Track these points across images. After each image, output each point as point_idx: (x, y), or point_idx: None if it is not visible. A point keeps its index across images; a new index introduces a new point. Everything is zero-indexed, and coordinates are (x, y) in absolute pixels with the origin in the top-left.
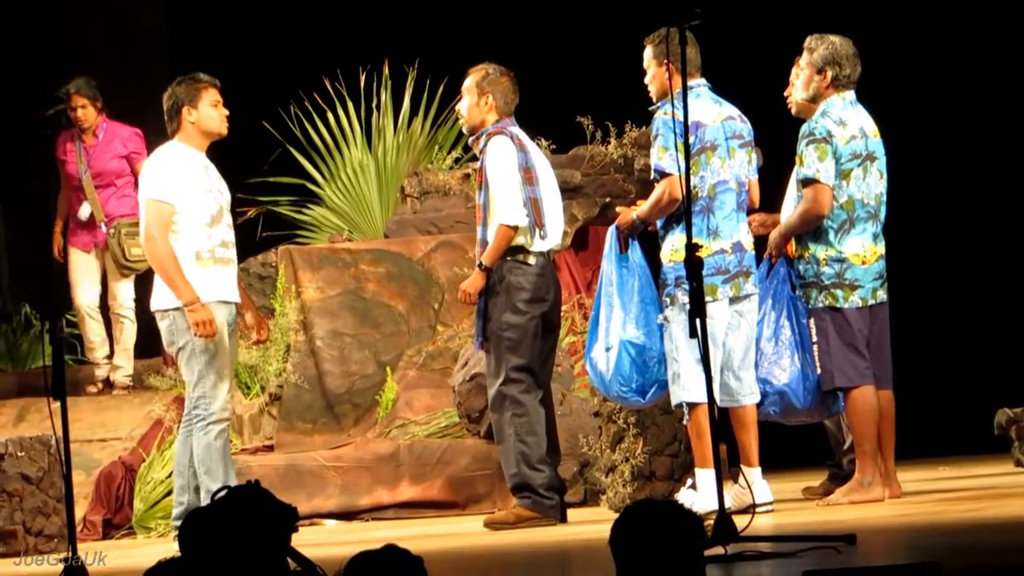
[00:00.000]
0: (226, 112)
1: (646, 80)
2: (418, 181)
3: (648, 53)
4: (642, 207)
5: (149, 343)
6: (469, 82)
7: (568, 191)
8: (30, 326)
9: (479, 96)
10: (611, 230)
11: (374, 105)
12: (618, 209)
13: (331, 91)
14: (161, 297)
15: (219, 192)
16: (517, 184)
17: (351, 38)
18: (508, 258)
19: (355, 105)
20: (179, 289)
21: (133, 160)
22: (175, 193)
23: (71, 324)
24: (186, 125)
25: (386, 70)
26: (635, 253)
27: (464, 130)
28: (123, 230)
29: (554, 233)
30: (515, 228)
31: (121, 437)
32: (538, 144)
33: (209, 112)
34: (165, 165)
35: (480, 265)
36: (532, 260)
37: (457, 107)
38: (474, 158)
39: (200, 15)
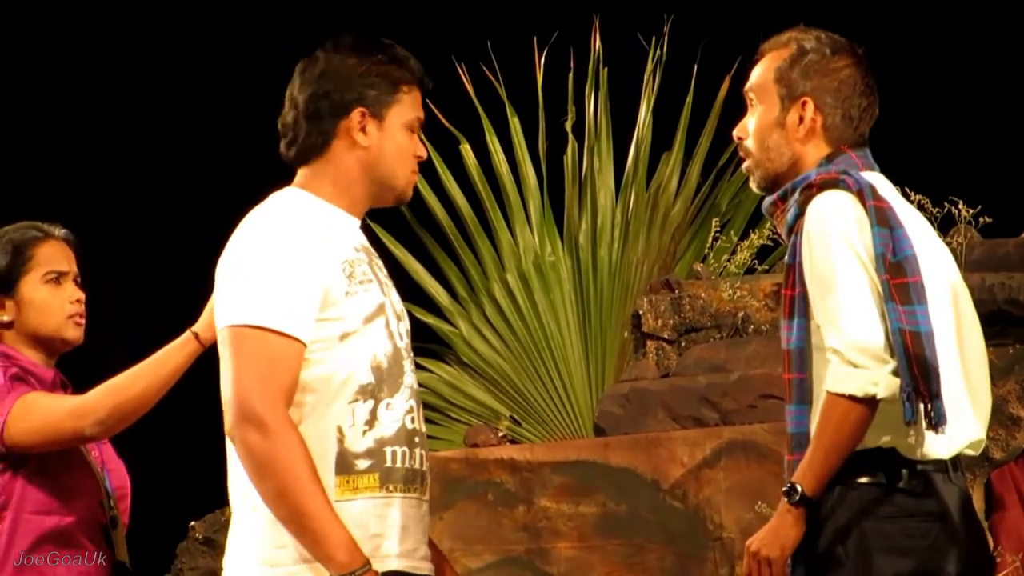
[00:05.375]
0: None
1: None
2: (673, 303)
3: None
4: None
5: None
6: (762, 71)
7: (1018, 323)
8: None
9: (784, 102)
10: None
11: (568, 126)
12: None
13: (471, 93)
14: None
15: None
16: (871, 302)
17: None
18: (858, 478)
19: (524, 125)
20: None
21: None
22: None
23: None
24: None
25: (597, 42)
26: None
27: (753, 181)
28: None
29: (970, 421)
30: (868, 404)
31: None
32: (943, 215)
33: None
34: None
35: (789, 493)
36: (921, 481)
37: (737, 129)
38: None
39: None
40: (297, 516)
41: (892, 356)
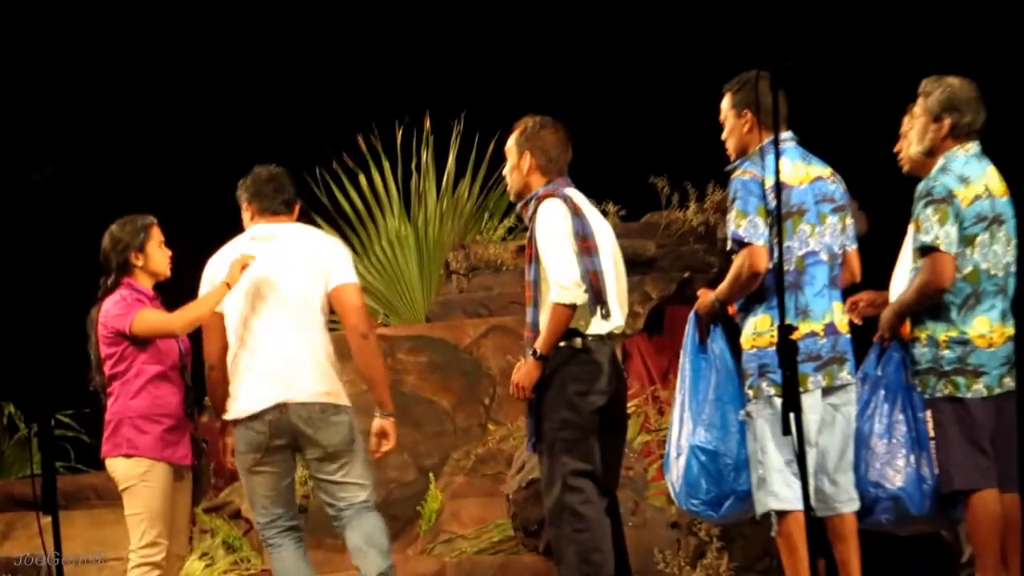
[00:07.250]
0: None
1: (723, 135)
2: (465, 255)
3: (726, 103)
4: (720, 286)
5: None
6: (511, 139)
7: (640, 265)
8: (15, 429)
9: (519, 156)
10: (691, 316)
11: (413, 166)
12: (699, 292)
13: (363, 150)
14: (339, 387)
15: None
16: (572, 256)
17: (385, 88)
18: (563, 344)
19: (391, 166)
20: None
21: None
22: None
23: (62, 425)
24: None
25: (427, 124)
26: (716, 343)
27: (511, 195)
28: None
29: (617, 313)
30: (571, 308)
31: (122, 557)
32: (604, 211)
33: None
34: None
35: (533, 353)
36: (590, 345)
37: (504, 170)
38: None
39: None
40: (381, 374)
41: (584, 282)
